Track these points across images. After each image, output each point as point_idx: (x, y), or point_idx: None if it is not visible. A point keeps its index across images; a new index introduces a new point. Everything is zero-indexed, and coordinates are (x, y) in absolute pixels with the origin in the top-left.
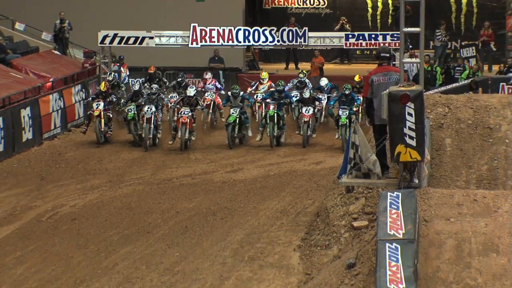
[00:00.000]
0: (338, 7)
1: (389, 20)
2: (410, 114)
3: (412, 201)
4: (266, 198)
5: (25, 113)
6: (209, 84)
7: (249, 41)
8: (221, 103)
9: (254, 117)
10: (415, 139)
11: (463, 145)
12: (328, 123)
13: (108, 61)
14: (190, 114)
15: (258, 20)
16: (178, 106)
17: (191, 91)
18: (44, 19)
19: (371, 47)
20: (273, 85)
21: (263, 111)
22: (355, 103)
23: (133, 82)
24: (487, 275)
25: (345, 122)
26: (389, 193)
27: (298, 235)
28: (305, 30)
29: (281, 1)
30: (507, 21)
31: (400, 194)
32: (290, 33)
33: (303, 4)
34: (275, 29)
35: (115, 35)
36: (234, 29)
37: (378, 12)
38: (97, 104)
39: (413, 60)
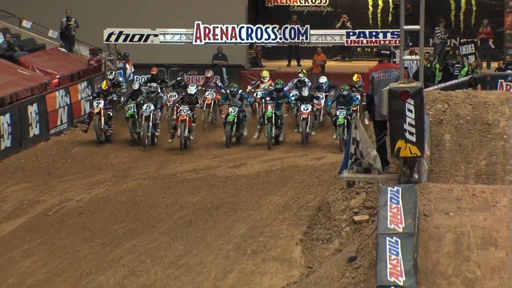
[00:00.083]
0: (339, 5)
1: (390, 18)
2: (410, 110)
3: (412, 195)
4: (268, 193)
5: (32, 109)
6: (210, 82)
7: (251, 39)
8: (220, 100)
9: (255, 116)
10: (415, 135)
11: (462, 141)
12: (325, 121)
13: (114, 58)
14: (189, 112)
15: (261, 18)
16: (177, 104)
17: (192, 89)
18: (51, 17)
19: (372, 44)
20: (273, 84)
21: (262, 109)
22: (353, 103)
23: (137, 78)
24: (486, 268)
25: (342, 122)
26: (389, 188)
27: (300, 229)
28: (307, 27)
29: None
30: (505, 19)
31: (400, 188)
32: (292, 30)
33: (305, 2)
34: (278, 26)
35: (120, 33)
36: (237, 27)
37: (379, 10)
38: (97, 103)
39: (413, 57)
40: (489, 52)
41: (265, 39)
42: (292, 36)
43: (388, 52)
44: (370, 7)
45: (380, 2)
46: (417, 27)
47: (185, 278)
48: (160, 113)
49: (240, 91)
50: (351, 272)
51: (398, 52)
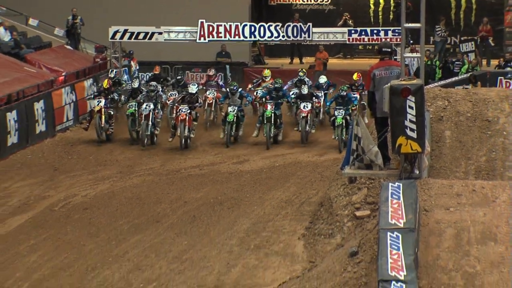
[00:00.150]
0: (341, 4)
1: (391, 16)
2: (411, 107)
3: (412, 191)
4: (271, 189)
5: (39, 106)
6: (212, 81)
7: (255, 37)
8: (220, 99)
9: (256, 114)
10: (415, 131)
11: (462, 137)
12: (324, 120)
13: (119, 56)
14: (188, 111)
15: (264, 16)
16: (177, 104)
17: (193, 88)
18: (57, 15)
19: (373, 42)
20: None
21: (262, 108)
22: (352, 104)
23: (139, 76)
24: (486, 262)
25: (341, 123)
26: (390, 184)
27: (302, 224)
28: (309, 25)
29: None
30: (505, 17)
31: (401, 184)
32: (295, 28)
33: (307, 1)
34: (280, 24)
35: (125, 31)
36: (241, 24)
37: (380, 8)
38: (98, 101)
39: (414, 54)
40: (489, 50)
41: (268, 37)
42: (295, 34)
43: (389, 50)
44: (372, 6)
45: (381, 1)
46: (417, 25)
47: (189, 273)
48: (161, 112)
49: (240, 89)
50: (353, 266)
51: (399, 49)
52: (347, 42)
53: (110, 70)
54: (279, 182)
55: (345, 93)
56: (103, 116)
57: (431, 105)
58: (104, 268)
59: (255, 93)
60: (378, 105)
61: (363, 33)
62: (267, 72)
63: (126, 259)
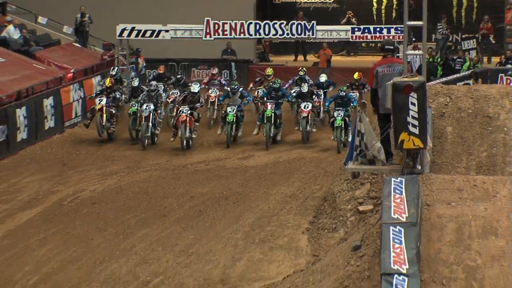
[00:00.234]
0: (345, 2)
1: (393, 14)
2: (413, 104)
3: (415, 186)
4: (276, 184)
5: (48, 102)
6: (215, 80)
7: (260, 34)
8: (220, 98)
9: (258, 113)
10: (417, 128)
11: (463, 133)
12: (325, 119)
13: (126, 53)
14: (189, 112)
15: (269, 14)
16: (177, 105)
17: (195, 88)
18: (66, 13)
19: (376, 39)
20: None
21: (263, 107)
22: (351, 104)
23: (149, 72)
24: (486, 256)
25: (340, 124)
26: (393, 179)
27: (306, 218)
28: (313, 23)
29: None
30: (505, 15)
31: (403, 179)
32: (299, 26)
33: None
34: (285, 22)
35: (132, 29)
36: (246, 22)
37: (383, 7)
38: (99, 100)
39: (416, 52)
40: (489, 47)
41: (273, 35)
42: (299, 32)
43: (392, 47)
44: (375, 4)
45: None
46: (420, 23)
47: (195, 266)
48: (163, 113)
49: (240, 89)
50: (356, 260)
51: (402, 47)
52: (351, 40)
53: (112, 68)
54: (284, 177)
55: (344, 94)
56: (104, 115)
57: (433, 101)
58: (112, 261)
59: (256, 92)
60: (381, 102)
61: (366, 31)
62: (269, 71)
63: (133, 253)
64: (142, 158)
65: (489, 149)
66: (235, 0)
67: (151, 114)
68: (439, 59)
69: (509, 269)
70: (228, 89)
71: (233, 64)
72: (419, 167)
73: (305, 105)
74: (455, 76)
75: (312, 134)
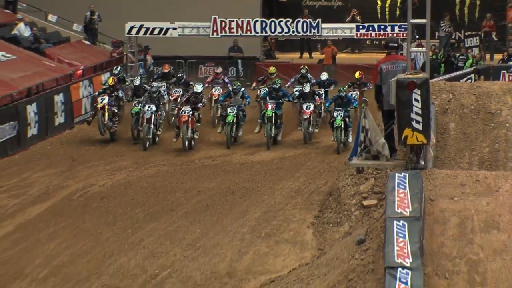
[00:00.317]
0: (349, 0)
1: (397, 12)
2: (416, 100)
3: (418, 181)
4: (281, 179)
5: (58, 98)
6: (219, 78)
7: (266, 32)
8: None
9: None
10: (421, 124)
11: (466, 129)
12: (326, 118)
13: (135, 50)
14: (191, 112)
15: (275, 12)
16: (179, 105)
17: (198, 88)
18: (75, 11)
19: (380, 37)
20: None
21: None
22: (351, 105)
23: (157, 69)
24: (489, 250)
25: (339, 124)
26: (397, 174)
27: (311, 213)
28: (318, 21)
29: None
30: (507, 13)
31: (407, 174)
32: (304, 24)
33: None
34: (290, 20)
35: (141, 26)
36: (252, 20)
37: (387, 5)
38: (101, 99)
39: (420, 49)
40: (492, 45)
41: (279, 32)
42: (304, 29)
43: (395, 45)
44: (379, 2)
45: None
46: (423, 20)
47: (203, 259)
48: (163, 114)
49: (242, 89)
50: (360, 254)
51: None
52: (355, 37)
53: (115, 67)
54: (289, 173)
55: (344, 94)
56: (106, 114)
57: (436, 98)
58: (121, 255)
59: (259, 91)
60: (385, 98)
61: (370, 28)
62: (272, 69)
63: (141, 247)
64: (150, 154)
65: (491, 144)
66: None
67: (152, 115)
68: (441, 56)
69: (511, 263)
70: (230, 89)
71: (239, 61)
72: (423, 163)
73: (307, 106)
74: (458, 73)
75: (314, 134)
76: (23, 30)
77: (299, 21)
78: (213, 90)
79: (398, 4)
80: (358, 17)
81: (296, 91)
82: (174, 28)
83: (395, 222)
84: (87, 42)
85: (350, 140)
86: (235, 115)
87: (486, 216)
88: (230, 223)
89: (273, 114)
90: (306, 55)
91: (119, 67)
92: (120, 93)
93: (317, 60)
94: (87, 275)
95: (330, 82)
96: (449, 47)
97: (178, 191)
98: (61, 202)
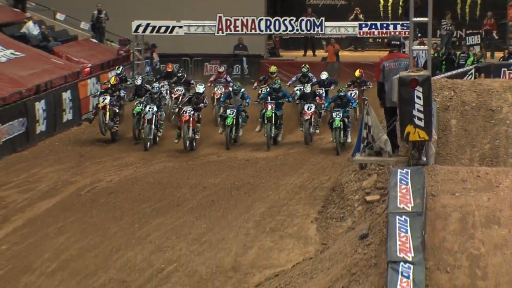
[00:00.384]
0: None
1: (400, 11)
2: (418, 97)
3: (420, 177)
4: (286, 174)
5: (66, 96)
6: (221, 78)
7: (270, 30)
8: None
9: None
10: (423, 120)
11: (467, 126)
12: (326, 117)
13: (142, 48)
14: (192, 112)
15: (279, 11)
16: (181, 106)
17: (200, 88)
18: (83, 10)
19: (383, 35)
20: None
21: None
22: (350, 105)
23: (163, 67)
24: (489, 245)
25: (338, 125)
26: (399, 170)
27: (315, 208)
28: (321, 20)
29: None
30: (508, 11)
31: (409, 170)
32: (308, 22)
33: None
34: (294, 19)
35: (147, 25)
36: (257, 19)
37: (389, 3)
38: (103, 98)
39: (422, 47)
40: (493, 43)
41: (283, 31)
42: (308, 28)
43: (398, 43)
44: (381, 1)
45: None
46: (425, 19)
47: (208, 254)
48: (163, 114)
49: (242, 90)
50: (363, 248)
51: (408, 42)
52: (358, 36)
53: (117, 66)
54: (293, 168)
55: (343, 94)
56: (107, 113)
57: (437, 95)
58: (128, 249)
59: (260, 91)
60: (387, 96)
61: (373, 26)
62: (273, 69)
63: (148, 241)
64: (157, 150)
65: (492, 141)
66: None
67: (153, 116)
68: (443, 54)
69: (511, 257)
70: (230, 89)
71: (244, 59)
72: (424, 159)
73: (308, 107)
74: (459, 70)
75: (315, 135)
76: (31, 28)
77: (303, 19)
78: (216, 89)
79: (401, 3)
80: (361, 16)
81: (297, 90)
82: (180, 27)
83: (397, 217)
84: (94, 40)
85: (349, 140)
86: (234, 117)
87: (487, 211)
88: (235, 218)
89: (273, 114)
90: (310, 53)
91: (121, 67)
92: (122, 93)
93: (320, 58)
94: (94, 269)
95: (330, 82)
96: (450, 45)
97: (184, 186)
98: (69, 197)
